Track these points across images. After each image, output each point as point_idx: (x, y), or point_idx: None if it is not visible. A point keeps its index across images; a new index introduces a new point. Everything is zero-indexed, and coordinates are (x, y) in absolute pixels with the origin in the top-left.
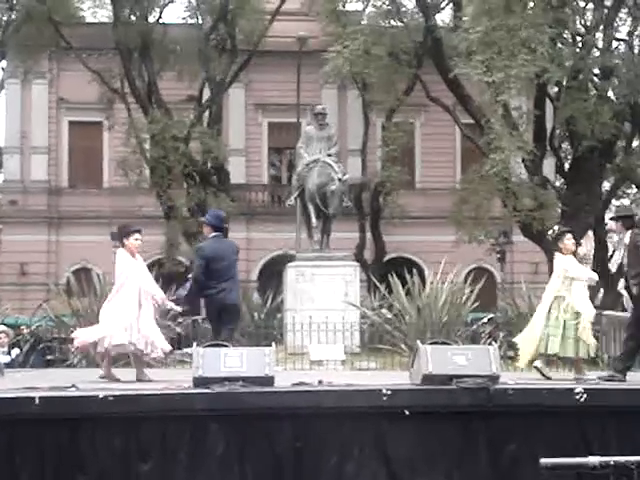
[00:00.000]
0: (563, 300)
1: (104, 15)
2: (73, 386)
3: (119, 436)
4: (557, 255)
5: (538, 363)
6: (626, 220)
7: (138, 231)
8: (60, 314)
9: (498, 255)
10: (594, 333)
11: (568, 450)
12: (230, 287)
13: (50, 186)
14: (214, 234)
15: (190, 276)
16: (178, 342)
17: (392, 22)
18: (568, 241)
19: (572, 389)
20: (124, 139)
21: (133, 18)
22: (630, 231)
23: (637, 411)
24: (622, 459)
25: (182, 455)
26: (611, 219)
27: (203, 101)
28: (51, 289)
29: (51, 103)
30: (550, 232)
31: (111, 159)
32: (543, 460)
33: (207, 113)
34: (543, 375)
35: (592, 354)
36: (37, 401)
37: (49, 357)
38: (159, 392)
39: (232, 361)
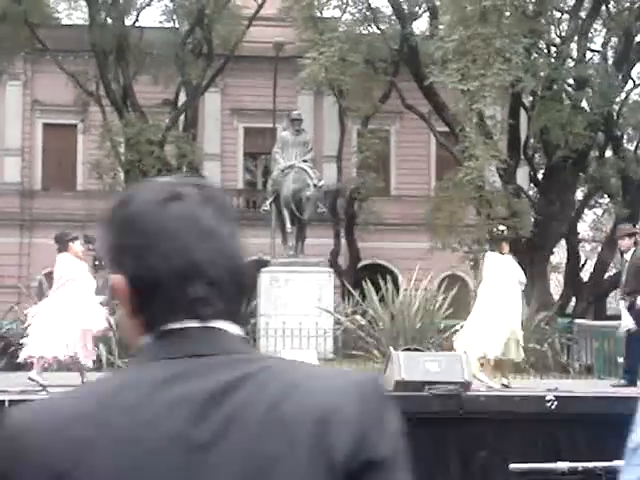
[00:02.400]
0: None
1: (80, 17)
2: (44, 390)
3: None
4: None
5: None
6: (631, 236)
7: (77, 238)
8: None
9: (471, 263)
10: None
11: (538, 456)
12: None
13: (23, 188)
14: None
15: None
16: None
17: (369, 29)
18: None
19: (543, 396)
20: (99, 142)
21: (109, 21)
22: (633, 250)
23: (605, 418)
24: (590, 465)
25: None
26: (629, 235)
27: (179, 105)
28: (22, 292)
29: (25, 105)
30: (500, 229)
31: (85, 162)
32: (513, 465)
33: (182, 117)
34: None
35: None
36: (7, 405)
37: (19, 361)
38: None
39: None
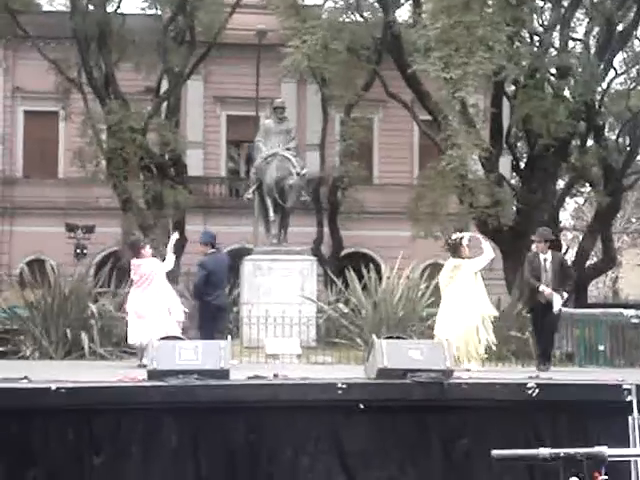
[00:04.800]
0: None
1: (61, 3)
2: (25, 378)
3: (72, 429)
4: (458, 260)
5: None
6: (550, 242)
7: (147, 243)
8: (13, 306)
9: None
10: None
11: (520, 443)
12: (223, 294)
13: (4, 176)
14: (211, 250)
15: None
16: None
17: (351, 17)
18: (467, 247)
19: (524, 384)
20: (80, 129)
21: (91, 7)
22: (551, 251)
23: (587, 405)
24: (572, 451)
25: (135, 448)
26: (541, 240)
27: (161, 93)
28: (4, 280)
29: (6, 92)
30: (453, 238)
31: (67, 149)
32: (494, 452)
33: (165, 105)
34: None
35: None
36: None
37: (1, 349)
38: (113, 385)
39: (187, 354)
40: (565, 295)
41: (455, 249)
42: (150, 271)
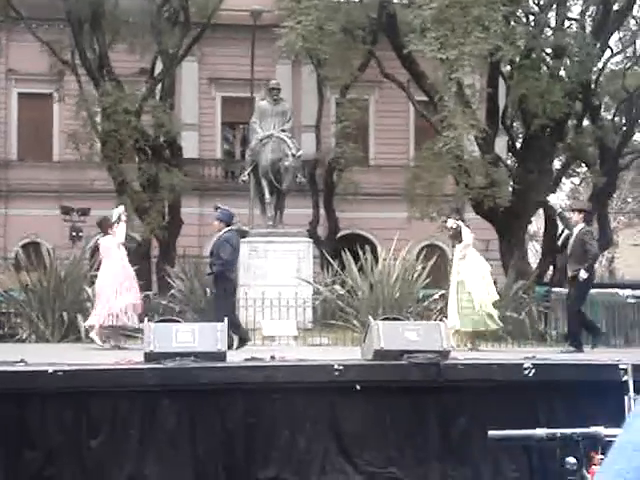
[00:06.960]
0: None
1: None
2: (22, 361)
3: (69, 411)
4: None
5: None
6: (586, 214)
7: (115, 223)
8: (8, 289)
9: (450, 232)
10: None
11: (516, 423)
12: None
13: None
14: (228, 229)
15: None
16: None
17: None
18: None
19: (521, 364)
20: (75, 112)
21: None
22: (581, 225)
23: (583, 385)
24: (568, 431)
25: (133, 430)
26: (573, 210)
27: (155, 74)
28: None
29: (0, 74)
30: (452, 226)
31: (61, 132)
32: (491, 432)
33: (159, 87)
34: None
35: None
36: None
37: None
38: (110, 367)
39: (184, 336)
40: (583, 274)
41: (456, 236)
42: (105, 247)
